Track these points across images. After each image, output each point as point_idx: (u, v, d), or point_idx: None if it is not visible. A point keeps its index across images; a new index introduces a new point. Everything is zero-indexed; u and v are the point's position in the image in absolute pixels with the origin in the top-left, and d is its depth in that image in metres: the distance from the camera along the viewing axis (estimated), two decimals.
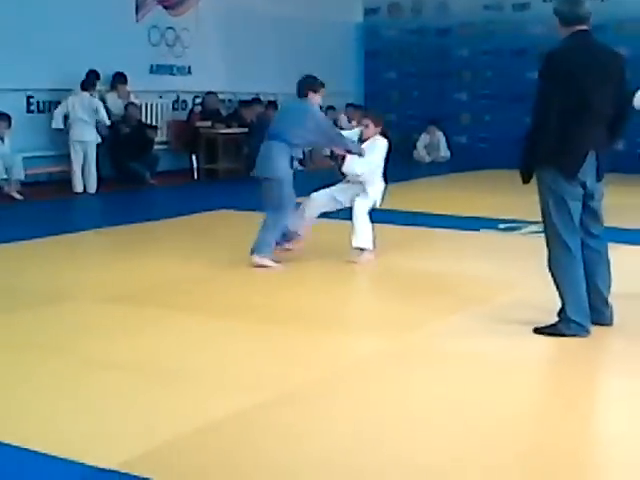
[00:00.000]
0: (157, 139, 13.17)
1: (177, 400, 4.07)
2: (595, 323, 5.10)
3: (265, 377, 4.42)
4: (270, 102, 14.93)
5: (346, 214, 7.24)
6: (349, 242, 7.05)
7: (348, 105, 16.73)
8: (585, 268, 5.04)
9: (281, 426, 3.80)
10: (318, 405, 4.08)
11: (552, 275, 5.08)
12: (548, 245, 5.08)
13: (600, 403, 4.36)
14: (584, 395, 4.35)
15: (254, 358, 4.75)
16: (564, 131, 4.79)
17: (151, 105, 13.47)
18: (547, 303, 5.25)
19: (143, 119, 13.00)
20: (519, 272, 6.74)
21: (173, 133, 13.83)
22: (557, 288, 5.07)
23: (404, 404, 4.10)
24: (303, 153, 16.11)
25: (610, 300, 5.19)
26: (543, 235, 5.15)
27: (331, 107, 16.43)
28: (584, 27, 4.92)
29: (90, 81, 11.69)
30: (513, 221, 9.11)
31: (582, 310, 5.01)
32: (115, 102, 12.44)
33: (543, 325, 5.10)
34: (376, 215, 7.45)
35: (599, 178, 4.99)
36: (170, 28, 13.81)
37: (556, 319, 5.06)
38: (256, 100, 14.59)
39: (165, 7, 13.67)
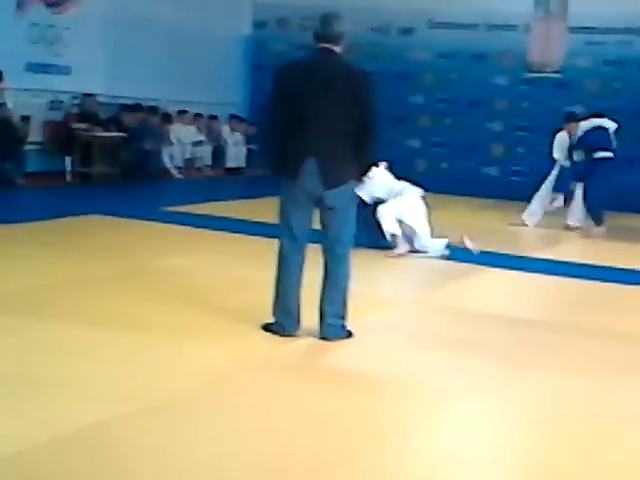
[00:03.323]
0: (30, 139, 12.71)
1: (35, 408, 3.88)
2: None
3: (130, 388, 4.25)
4: (151, 107, 14.69)
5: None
6: None
7: (232, 116, 16.65)
8: (325, 276, 5.27)
9: (142, 438, 3.67)
10: (182, 417, 3.96)
11: None
12: None
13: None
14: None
15: (121, 367, 4.57)
16: (283, 139, 5.16)
17: (26, 104, 12.99)
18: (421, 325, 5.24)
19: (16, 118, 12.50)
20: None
21: (48, 134, 13.38)
22: None
23: (268, 415, 4.03)
24: None
25: (331, 315, 5.23)
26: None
27: (214, 117, 16.31)
28: (327, 45, 5.21)
29: None
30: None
31: (283, 310, 5.25)
32: None
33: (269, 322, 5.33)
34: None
35: (326, 187, 5.13)
36: (51, 26, 13.39)
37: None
38: (138, 106, 14.32)
39: (48, 5, 13.24)
